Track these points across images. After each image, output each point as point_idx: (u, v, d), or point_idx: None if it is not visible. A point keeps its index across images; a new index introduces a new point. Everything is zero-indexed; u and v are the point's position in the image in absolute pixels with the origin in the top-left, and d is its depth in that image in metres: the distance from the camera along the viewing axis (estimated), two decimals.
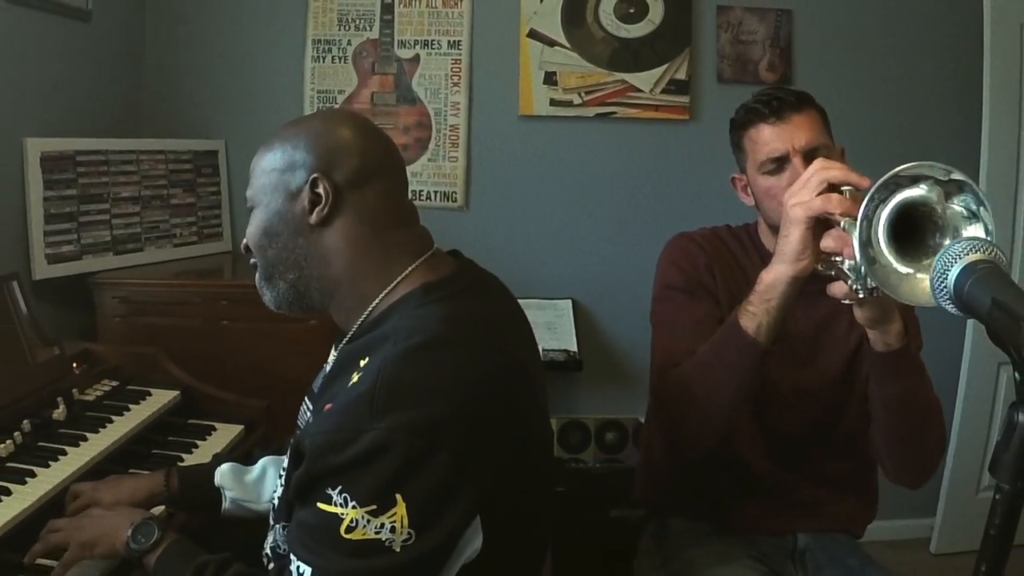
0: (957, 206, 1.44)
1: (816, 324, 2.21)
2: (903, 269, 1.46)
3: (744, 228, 2.42)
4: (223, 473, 2.04)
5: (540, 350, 3.31)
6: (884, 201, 1.46)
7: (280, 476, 1.66)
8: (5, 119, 3.00)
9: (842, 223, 1.68)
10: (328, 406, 1.47)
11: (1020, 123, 3.93)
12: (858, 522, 2.38)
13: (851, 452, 2.26)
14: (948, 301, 1.25)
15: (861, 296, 1.62)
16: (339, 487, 1.34)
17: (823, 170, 1.78)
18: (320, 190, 1.58)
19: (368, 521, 1.32)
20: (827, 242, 1.72)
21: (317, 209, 1.59)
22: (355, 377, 1.46)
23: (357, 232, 1.61)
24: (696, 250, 2.31)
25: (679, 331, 2.18)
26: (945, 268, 1.23)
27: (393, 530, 1.32)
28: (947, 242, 1.42)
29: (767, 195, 2.17)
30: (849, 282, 1.65)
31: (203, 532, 1.92)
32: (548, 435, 1.80)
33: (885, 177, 1.45)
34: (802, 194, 1.78)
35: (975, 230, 1.42)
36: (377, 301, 1.61)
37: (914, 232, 1.47)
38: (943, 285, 1.24)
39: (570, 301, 4.03)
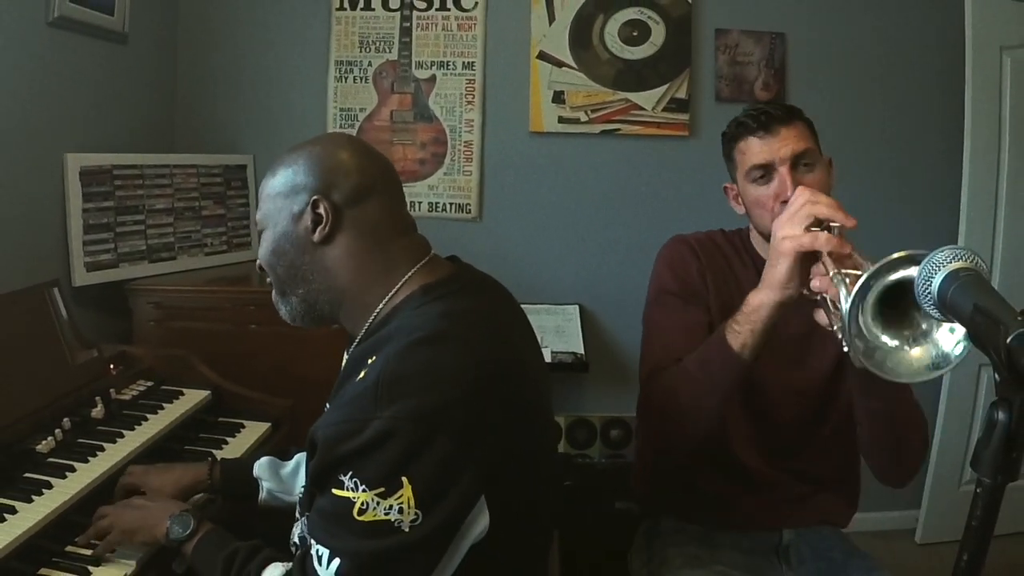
0: None
1: (807, 326, 2.18)
2: (888, 343, 1.44)
3: (737, 232, 2.38)
4: (261, 466, 2.09)
5: (549, 352, 3.33)
6: (871, 288, 1.44)
7: None
8: (47, 136, 3.02)
9: (830, 271, 1.65)
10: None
11: (1000, 139, 3.93)
12: (841, 515, 2.34)
13: (836, 448, 2.23)
14: (932, 306, 1.25)
15: (845, 348, 1.60)
16: (350, 472, 1.37)
17: (811, 204, 1.75)
18: (320, 210, 1.62)
19: (378, 503, 1.35)
20: (815, 283, 1.71)
21: (319, 228, 1.62)
22: (362, 374, 1.49)
23: (358, 246, 1.64)
24: (690, 256, 2.28)
25: (670, 336, 2.16)
26: (930, 275, 1.23)
27: (401, 511, 1.35)
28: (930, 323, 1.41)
29: (756, 204, 2.14)
30: (834, 328, 1.64)
31: (238, 522, 1.93)
32: (549, 425, 1.81)
33: (875, 267, 1.41)
34: (790, 227, 1.76)
35: None
36: (381, 306, 1.63)
37: (899, 301, 1.45)
38: (928, 291, 1.24)
39: (577, 306, 4.03)
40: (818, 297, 1.73)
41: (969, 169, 3.91)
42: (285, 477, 2.08)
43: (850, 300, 1.43)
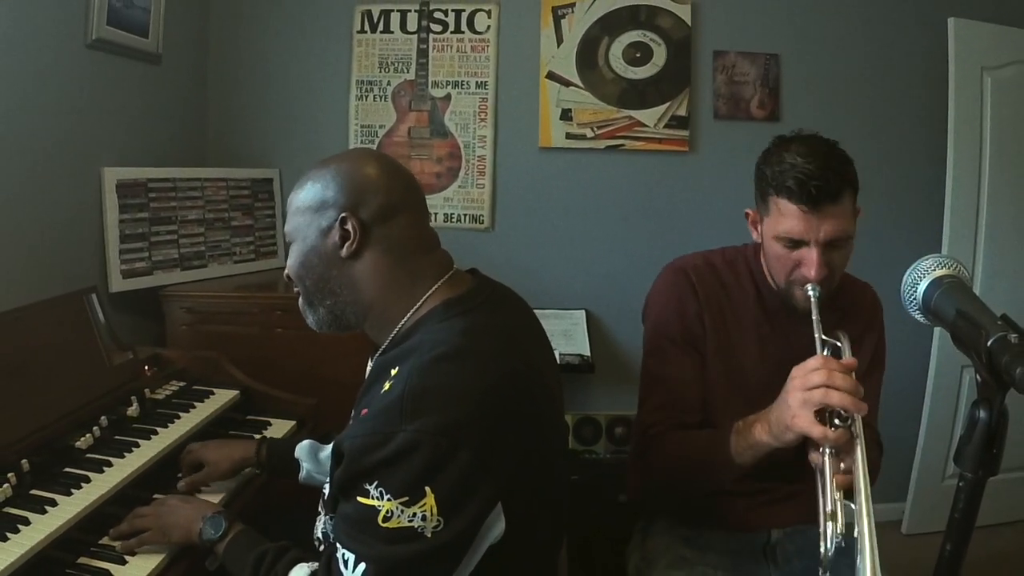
0: None
1: (803, 351, 2.13)
2: None
3: (741, 252, 2.26)
4: (302, 448, 2.12)
5: (557, 354, 3.32)
6: None
7: None
8: (85, 151, 3.04)
9: (826, 465, 1.66)
10: (364, 411, 1.49)
11: (981, 153, 3.93)
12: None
13: None
14: (917, 311, 1.25)
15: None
16: (375, 482, 1.36)
17: (826, 390, 1.65)
18: (349, 227, 1.58)
19: (402, 511, 1.34)
20: (813, 457, 1.72)
21: (347, 244, 1.59)
22: (387, 385, 1.47)
23: (384, 262, 1.61)
24: (688, 295, 2.17)
25: (669, 392, 2.14)
26: (915, 282, 1.23)
27: (424, 518, 1.34)
28: None
29: (775, 260, 2.01)
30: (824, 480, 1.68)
31: (264, 520, 1.94)
32: (562, 431, 1.79)
33: None
34: (803, 409, 1.68)
35: None
36: (406, 319, 1.61)
37: None
38: (913, 297, 1.24)
39: (584, 311, 4.04)
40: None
41: (952, 182, 3.90)
42: (323, 460, 2.08)
43: None
